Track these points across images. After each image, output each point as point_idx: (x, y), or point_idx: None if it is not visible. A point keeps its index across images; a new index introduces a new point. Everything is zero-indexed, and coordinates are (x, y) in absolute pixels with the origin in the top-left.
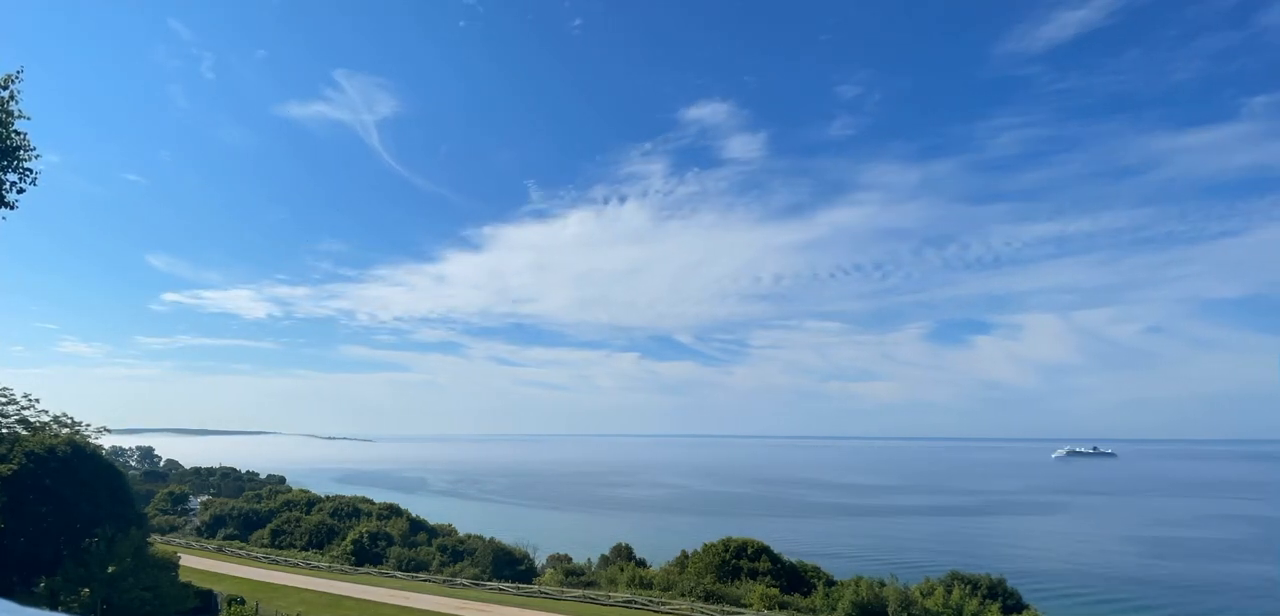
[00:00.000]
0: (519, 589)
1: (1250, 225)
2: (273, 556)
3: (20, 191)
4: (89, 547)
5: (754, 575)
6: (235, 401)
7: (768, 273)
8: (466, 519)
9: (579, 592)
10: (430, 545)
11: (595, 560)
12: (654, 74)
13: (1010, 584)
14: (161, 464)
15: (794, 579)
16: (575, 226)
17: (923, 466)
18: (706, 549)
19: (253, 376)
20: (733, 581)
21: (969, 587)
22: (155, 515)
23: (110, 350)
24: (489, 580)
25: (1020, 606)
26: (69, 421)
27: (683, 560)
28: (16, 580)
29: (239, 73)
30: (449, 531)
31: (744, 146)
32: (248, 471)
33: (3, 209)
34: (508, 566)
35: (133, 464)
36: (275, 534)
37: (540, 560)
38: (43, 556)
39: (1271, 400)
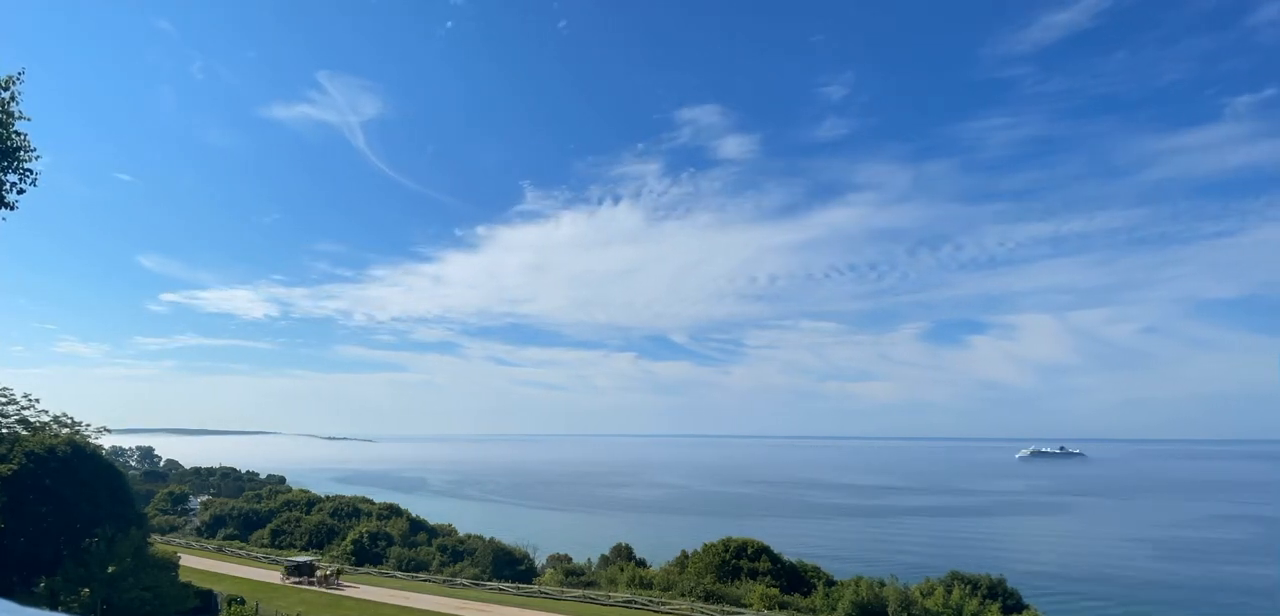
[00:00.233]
0: (519, 589)
1: (1245, 225)
2: (273, 556)
3: (20, 192)
4: (89, 547)
5: (754, 575)
6: (234, 401)
7: (763, 273)
8: (466, 519)
9: (579, 592)
10: (430, 545)
11: (595, 560)
12: (645, 75)
13: (1010, 583)
14: (161, 464)
15: (794, 579)
16: (570, 227)
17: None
18: (706, 549)
19: (251, 376)
20: (733, 581)
21: (969, 587)
22: (155, 515)
23: (109, 350)
24: (489, 580)
25: (1020, 606)
26: (69, 421)
27: (683, 560)
28: (16, 580)
29: (224, 74)
30: (449, 531)
31: (737, 147)
32: (248, 471)
33: (3, 209)
34: (508, 566)
35: (133, 464)
36: (275, 534)
37: (540, 560)
38: (43, 556)
39: (1271, 400)
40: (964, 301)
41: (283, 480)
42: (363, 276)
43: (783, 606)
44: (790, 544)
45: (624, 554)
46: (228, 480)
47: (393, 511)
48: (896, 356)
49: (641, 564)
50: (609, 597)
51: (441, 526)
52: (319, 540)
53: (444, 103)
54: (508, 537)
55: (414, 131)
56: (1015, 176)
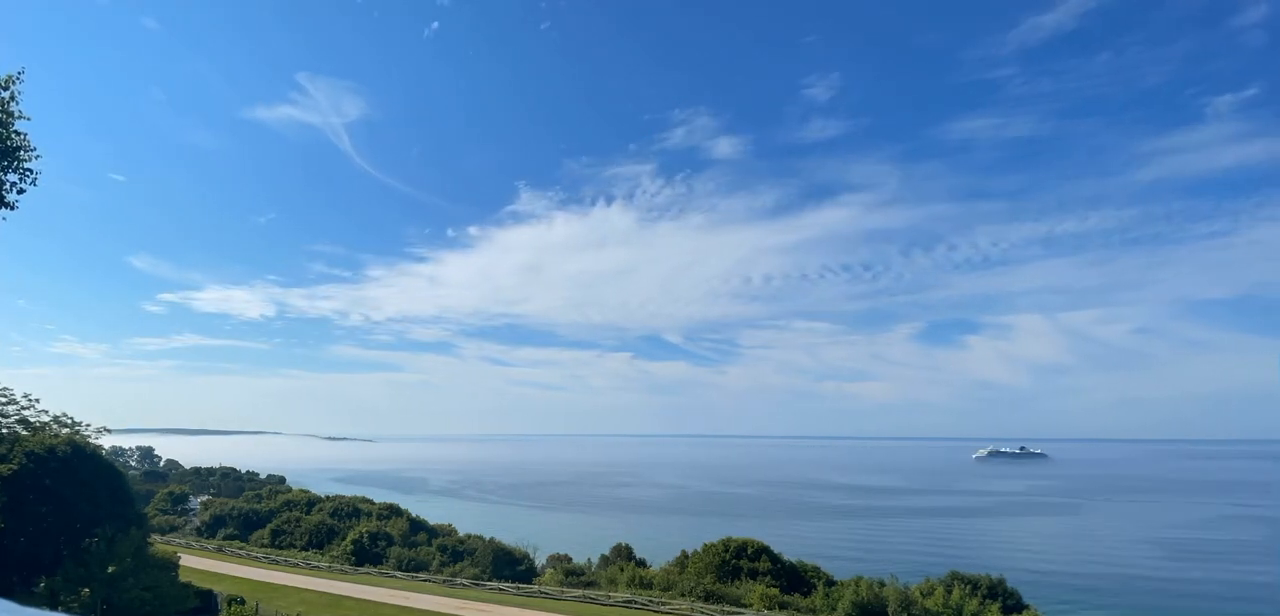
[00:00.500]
0: (519, 589)
1: (1237, 226)
2: (273, 556)
3: (20, 192)
4: (89, 547)
5: (754, 575)
6: (231, 401)
7: (757, 273)
8: (466, 519)
9: (579, 593)
10: (430, 545)
11: (595, 560)
12: (636, 77)
13: (1010, 583)
14: (161, 464)
15: (794, 579)
16: (563, 228)
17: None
18: (706, 549)
19: (247, 376)
20: (733, 581)
21: (969, 587)
22: (155, 515)
23: (107, 350)
24: (489, 580)
25: (1020, 606)
26: (69, 421)
27: (683, 560)
28: (16, 580)
29: (208, 74)
30: (449, 531)
31: (729, 148)
32: (248, 471)
33: (3, 209)
34: (508, 566)
35: (133, 464)
36: (275, 534)
37: (540, 560)
38: (43, 556)
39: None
40: (958, 302)
41: (283, 480)
42: (359, 277)
43: (783, 606)
44: (789, 544)
45: (624, 554)
46: (228, 480)
47: (393, 511)
48: (891, 356)
49: (641, 564)
50: (609, 597)
51: (441, 526)
52: (319, 540)
53: (431, 104)
54: (508, 537)
55: (401, 133)
56: (1006, 177)
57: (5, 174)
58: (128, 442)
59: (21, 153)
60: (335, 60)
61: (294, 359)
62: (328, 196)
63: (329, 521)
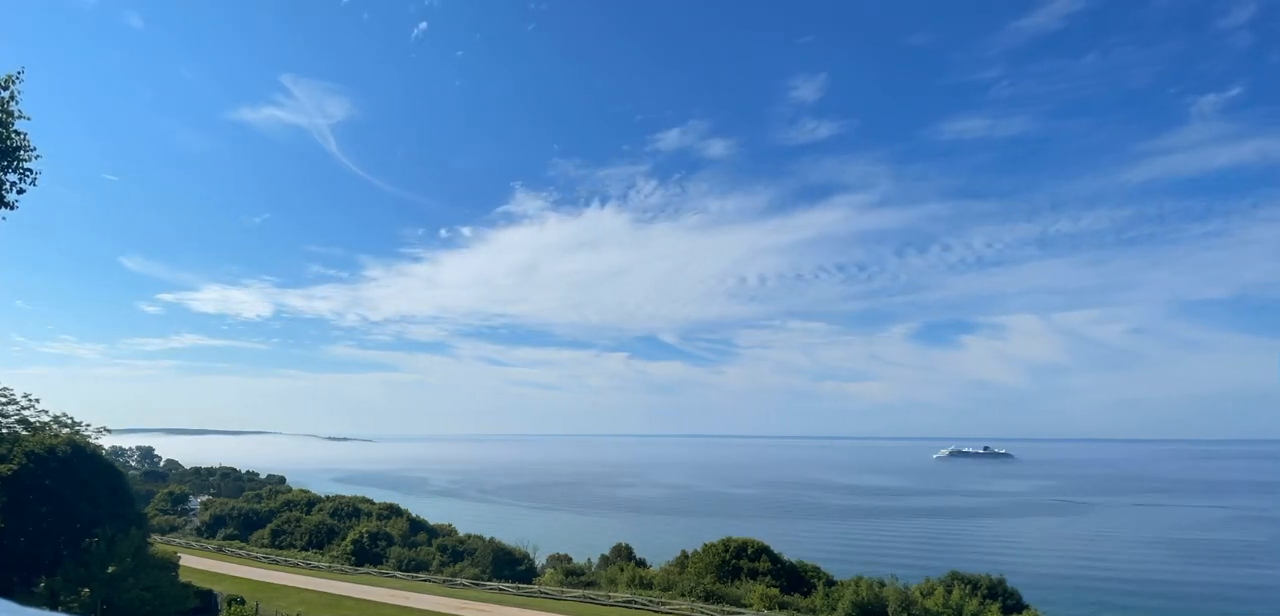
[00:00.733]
0: (519, 589)
1: (1230, 226)
2: (273, 556)
3: (20, 192)
4: (89, 547)
5: (754, 575)
6: (231, 401)
7: (752, 273)
8: (466, 519)
9: (579, 593)
10: (430, 545)
11: (595, 560)
12: (629, 78)
13: (1010, 583)
14: (161, 464)
15: (794, 579)
16: (557, 229)
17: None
18: (706, 549)
19: (247, 376)
20: (733, 581)
21: (969, 587)
22: (155, 515)
23: (106, 350)
24: (489, 580)
25: (1020, 606)
26: (69, 421)
27: (683, 560)
28: (16, 580)
29: (191, 74)
30: (449, 531)
31: (722, 149)
32: (248, 471)
33: (3, 209)
34: (508, 566)
35: (133, 464)
36: (275, 534)
37: (540, 560)
38: (43, 556)
39: (1267, 400)
40: (953, 302)
41: (283, 480)
42: (356, 277)
43: (783, 606)
44: (789, 544)
45: (624, 554)
46: (228, 480)
47: (393, 511)
48: (888, 356)
49: (641, 564)
50: (609, 597)
51: (441, 526)
52: (319, 540)
53: (421, 105)
54: (507, 537)
55: (388, 133)
56: (999, 178)
57: (5, 174)
58: (127, 442)
59: (21, 153)
60: (321, 61)
61: (292, 359)
62: (321, 197)
63: (329, 521)
